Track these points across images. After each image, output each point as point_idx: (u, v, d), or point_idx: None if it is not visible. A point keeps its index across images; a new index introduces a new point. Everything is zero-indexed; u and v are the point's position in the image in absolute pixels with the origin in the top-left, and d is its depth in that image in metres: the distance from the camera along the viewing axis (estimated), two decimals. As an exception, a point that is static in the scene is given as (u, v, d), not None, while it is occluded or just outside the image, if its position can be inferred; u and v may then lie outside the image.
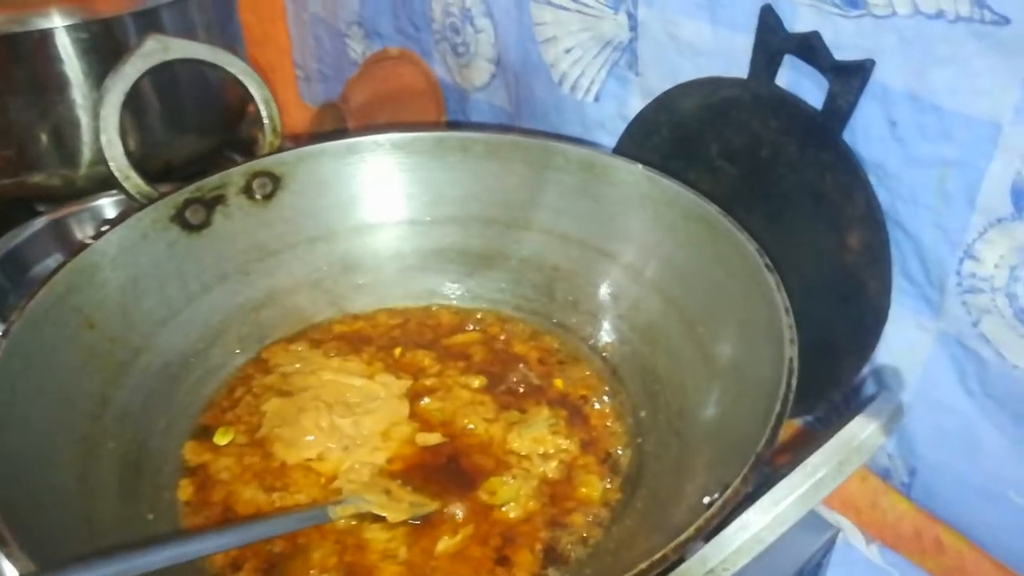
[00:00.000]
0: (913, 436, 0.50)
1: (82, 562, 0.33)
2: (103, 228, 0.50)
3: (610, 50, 0.60)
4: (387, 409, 0.52)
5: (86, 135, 0.71)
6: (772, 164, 0.51)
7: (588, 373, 0.55)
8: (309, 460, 0.49)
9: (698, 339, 0.49)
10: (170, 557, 0.38)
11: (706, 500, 0.34)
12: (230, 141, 0.85)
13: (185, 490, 0.48)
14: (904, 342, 0.49)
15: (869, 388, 0.53)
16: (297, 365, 0.55)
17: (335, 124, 0.83)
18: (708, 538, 0.31)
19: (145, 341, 0.51)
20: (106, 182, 0.69)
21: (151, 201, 0.53)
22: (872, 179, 0.46)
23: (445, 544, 0.44)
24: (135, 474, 0.46)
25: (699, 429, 0.46)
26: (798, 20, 0.47)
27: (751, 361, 0.43)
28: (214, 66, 0.56)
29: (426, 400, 0.53)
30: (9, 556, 0.32)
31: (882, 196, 0.46)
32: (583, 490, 0.47)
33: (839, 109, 0.46)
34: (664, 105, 0.57)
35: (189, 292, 0.54)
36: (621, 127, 0.61)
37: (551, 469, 0.48)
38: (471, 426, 0.51)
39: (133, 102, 0.54)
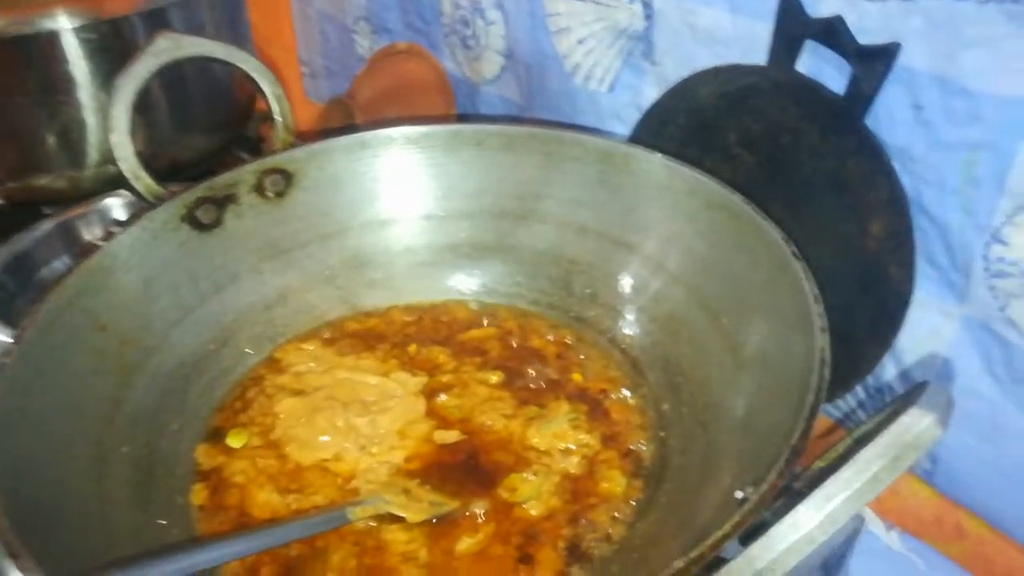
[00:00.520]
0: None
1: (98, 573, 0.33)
2: (113, 229, 0.49)
3: (625, 39, 0.60)
4: (403, 407, 0.51)
5: (93, 136, 0.70)
6: (792, 151, 0.50)
7: (608, 366, 0.54)
8: (325, 461, 0.48)
9: (723, 330, 0.48)
10: (186, 567, 0.38)
11: (739, 495, 0.33)
12: (237, 139, 0.84)
13: (199, 494, 0.47)
14: (927, 328, 0.48)
15: (888, 377, 0.52)
16: (311, 364, 0.54)
17: (342, 120, 0.82)
18: (746, 536, 0.30)
19: (157, 342, 0.50)
20: (113, 182, 0.69)
21: (161, 201, 0.52)
22: (896, 164, 0.46)
23: (466, 544, 0.43)
24: (148, 478, 0.45)
25: (726, 422, 0.45)
26: (820, 4, 0.47)
27: (780, 352, 0.43)
28: (226, 63, 0.55)
29: (443, 397, 0.52)
30: (23, 570, 0.31)
31: (906, 181, 0.46)
32: (605, 485, 0.46)
33: (862, 94, 0.45)
34: (681, 94, 0.57)
35: (201, 292, 0.54)
36: (636, 117, 0.61)
37: (572, 464, 0.48)
38: (489, 422, 0.50)
39: (141, 101, 0.53)
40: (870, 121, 0.46)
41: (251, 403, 0.52)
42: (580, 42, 0.63)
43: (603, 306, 0.57)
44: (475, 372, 0.54)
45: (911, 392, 0.35)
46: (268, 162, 0.56)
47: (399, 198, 0.60)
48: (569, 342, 0.56)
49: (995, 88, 0.41)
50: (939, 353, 0.48)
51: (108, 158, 0.68)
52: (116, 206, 0.68)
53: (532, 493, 0.46)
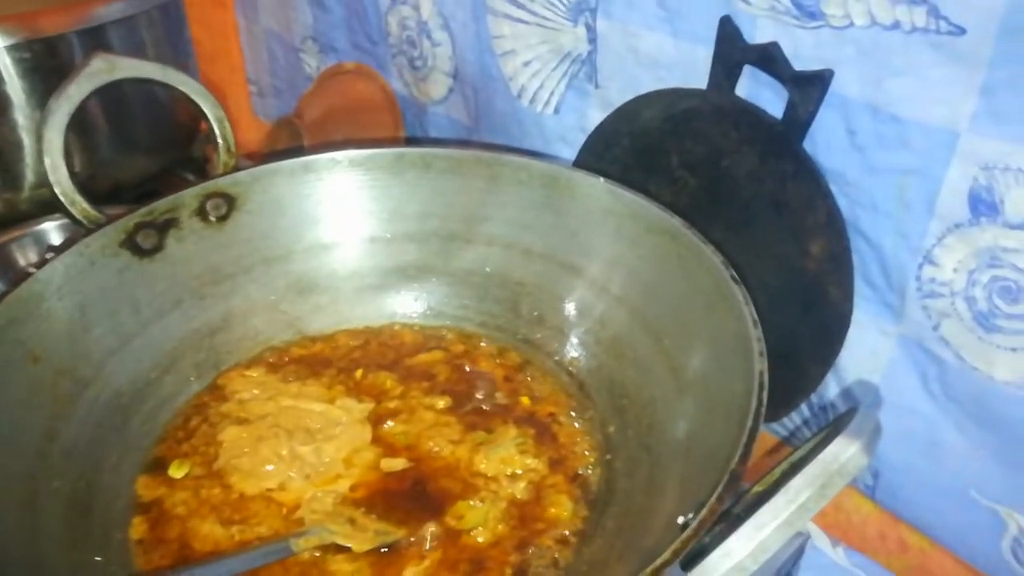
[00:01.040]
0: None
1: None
2: (47, 256, 0.48)
3: (569, 62, 0.60)
4: (349, 434, 0.50)
5: (29, 157, 0.68)
6: (733, 174, 0.51)
7: (556, 389, 0.55)
8: (270, 490, 0.47)
9: (665, 352, 0.49)
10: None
11: (680, 520, 0.33)
12: (182, 160, 0.83)
13: (138, 528, 0.45)
14: (867, 347, 0.49)
15: (832, 394, 0.53)
16: (255, 391, 0.54)
17: (290, 140, 0.81)
18: (687, 561, 0.30)
19: (94, 372, 0.49)
20: (50, 206, 0.67)
21: (99, 226, 0.51)
22: (833, 187, 0.47)
23: (412, 572, 0.43)
24: (84, 514, 0.44)
25: (669, 444, 0.45)
26: (757, 31, 0.48)
27: (720, 374, 0.43)
28: (165, 85, 0.54)
29: (389, 423, 0.52)
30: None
31: (843, 204, 0.47)
32: (553, 510, 0.46)
33: (799, 119, 0.46)
34: (624, 117, 0.57)
35: (141, 319, 0.52)
36: (581, 139, 0.61)
37: (519, 490, 0.48)
38: (436, 449, 0.50)
39: (80, 121, 0.52)
40: (807, 145, 0.47)
41: (194, 432, 0.51)
42: (526, 64, 0.63)
43: (550, 328, 0.57)
44: (422, 397, 0.54)
45: (842, 417, 0.36)
46: (210, 186, 0.55)
47: (344, 221, 0.59)
48: (517, 365, 0.57)
49: (921, 115, 0.42)
50: (878, 372, 0.49)
51: (45, 180, 0.66)
52: (52, 230, 0.66)
53: (479, 520, 0.45)
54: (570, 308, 0.56)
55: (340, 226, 0.59)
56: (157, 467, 0.49)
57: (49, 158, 0.49)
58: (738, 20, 0.48)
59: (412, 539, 0.45)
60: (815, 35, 0.45)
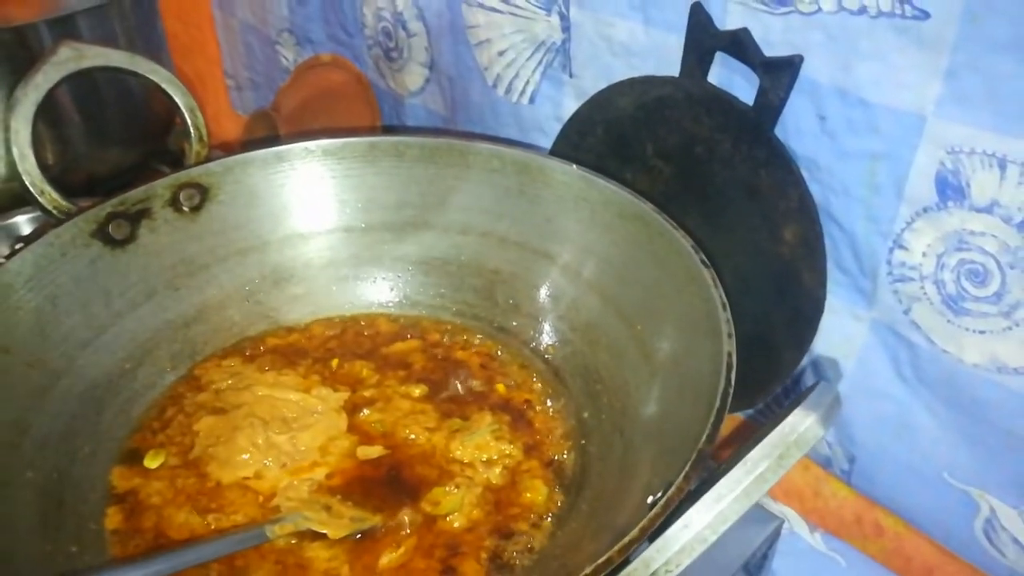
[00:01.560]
0: (851, 424, 0.51)
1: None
2: (17, 247, 0.47)
3: (543, 52, 0.60)
4: (325, 423, 0.50)
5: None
6: (707, 161, 0.51)
7: (531, 376, 0.55)
8: (245, 479, 0.47)
9: (637, 337, 0.49)
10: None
11: (650, 500, 0.34)
12: (157, 152, 0.82)
13: (113, 518, 0.45)
14: (840, 332, 0.50)
15: (809, 380, 0.53)
16: (230, 381, 0.53)
17: (267, 132, 0.81)
18: (653, 538, 0.31)
19: (67, 363, 0.49)
20: (20, 198, 0.67)
21: (70, 217, 0.50)
22: (805, 173, 0.47)
23: (388, 558, 0.43)
24: (57, 505, 0.44)
25: (641, 427, 0.45)
26: (728, 17, 0.48)
27: (690, 357, 0.44)
28: (135, 74, 0.54)
29: (365, 412, 0.52)
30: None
31: (815, 190, 0.47)
32: (528, 495, 0.47)
33: (770, 105, 0.46)
34: (598, 105, 0.57)
35: (114, 310, 0.52)
36: (557, 128, 0.61)
37: (495, 476, 0.48)
38: (412, 436, 0.50)
39: (51, 113, 0.52)
40: (779, 131, 0.47)
41: (170, 422, 0.51)
42: (500, 54, 0.63)
43: (525, 316, 0.57)
44: (398, 386, 0.54)
45: (804, 393, 0.36)
46: (183, 176, 0.55)
47: (319, 211, 0.59)
48: (493, 353, 0.57)
49: (888, 100, 0.42)
50: (852, 357, 0.50)
51: (15, 173, 0.66)
52: (24, 223, 0.65)
53: (455, 506, 0.46)
54: (544, 295, 0.57)
55: (314, 216, 0.59)
56: (132, 458, 0.49)
57: (17, 148, 0.49)
58: (709, 7, 0.48)
59: (388, 525, 0.45)
60: (784, 21, 0.45)
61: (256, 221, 0.58)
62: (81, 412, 0.49)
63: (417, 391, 0.53)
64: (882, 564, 0.54)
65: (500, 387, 0.54)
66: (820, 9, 0.43)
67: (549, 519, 0.45)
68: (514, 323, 0.57)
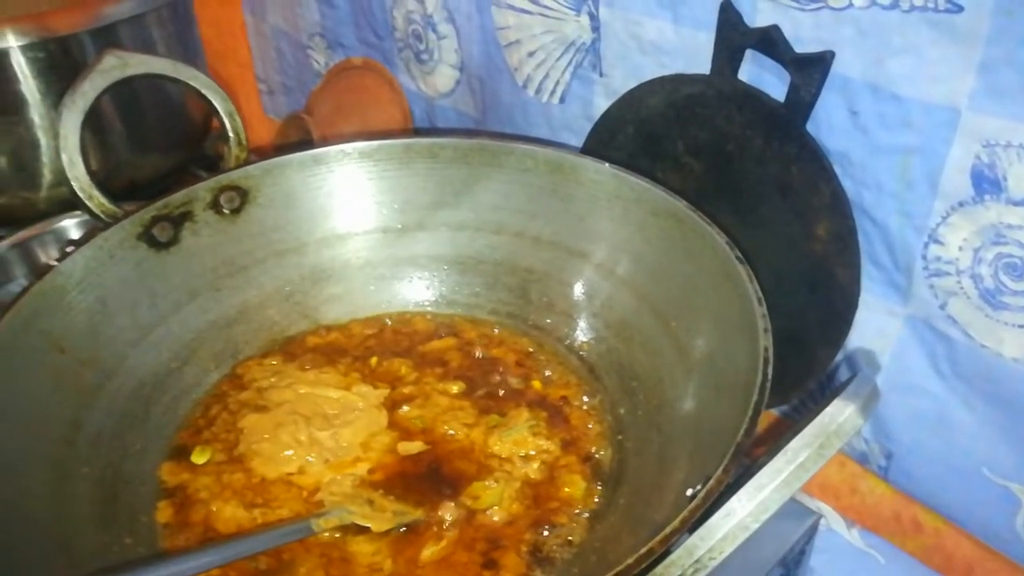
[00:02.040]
0: (888, 420, 0.51)
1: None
2: (68, 249, 0.49)
3: (573, 52, 0.61)
4: (366, 419, 0.51)
5: (46, 156, 0.70)
6: (738, 158, 0.51)
7: (566, 373, 0.55)
8: (289, 474, 0.48)
9: (672, 333, 0.50)
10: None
11: (689, 492, 0.34)
12: (195, 157, 0.84)
13: (164, 512, 0.47)
14: (875, 328, 0.50)
15: (843, 376, 0.53)
16: (272, 379, 0.55)
17: (300, 136, 0.83)
18: (693, 529, 0.31)
19: (117, 362, 0.50)
20: (67, 203, 0.68)
21: (116, 220, 0.52)
22: (837, 169, 0.47)
23: (431, 551, 0.44)
24: (111, 498, 0.45)
25: (678, 423, 0.46)
26: (758, 15, 0.48)
27: (726, 353, 0.44)
28: (176, 81, 0.55)
29: (405, 408, 0.53)
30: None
31: (847, 185, 0.47)
32: (566, 490, 0.47)
33: (802, 101, 0.47)
34: (629, 104, 0.58)
35: (160, 311, 0.54)
36: (587, 128, 0.61)
37: (533, 470, 0.48)
38: (451, 432, 0.51)
39: (94, 121, 0.53)
40: (811, 127, 0.47)
41: (214, 420, 0.53)
42: (530, 55, 0.64)
43: (560, 314, 0.58)
44: (436, 383, 0.55)
45: (842, 385, 0.37)
46: (223, 179, 0.56)
47: (355, 212, 0.60)
48: (528, 350, 0.57)
49: (921, 94, 0.42)
50: (887, 352, 0.50)
51: (62, 178, 0.67)
52: (72, 227, 0.67)
53: (494, 500, 0.46)
54: (578, 293, 0.57)
55: (351, 217, 0.60)
56: (180, 454, 0.50)
57: (66, 154, 0.50)
58: (739, 4, 0.48)
59: (429, 519, 0.46)
60: (815, 17, 0.45)
61: (294, 222, 0.59)
62: (131, 410, 0.50)
63: (455, 388, 0.54)
64: (921, 561, 0.54)
65: (536, 384, 0.55)
66: (851, 4, 0.43)
67: (587, 513, 0.46)
68: (548, 321, 0.58)
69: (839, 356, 0.52)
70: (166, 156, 0.79)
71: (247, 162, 0.58)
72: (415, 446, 0.50)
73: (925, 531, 0.53)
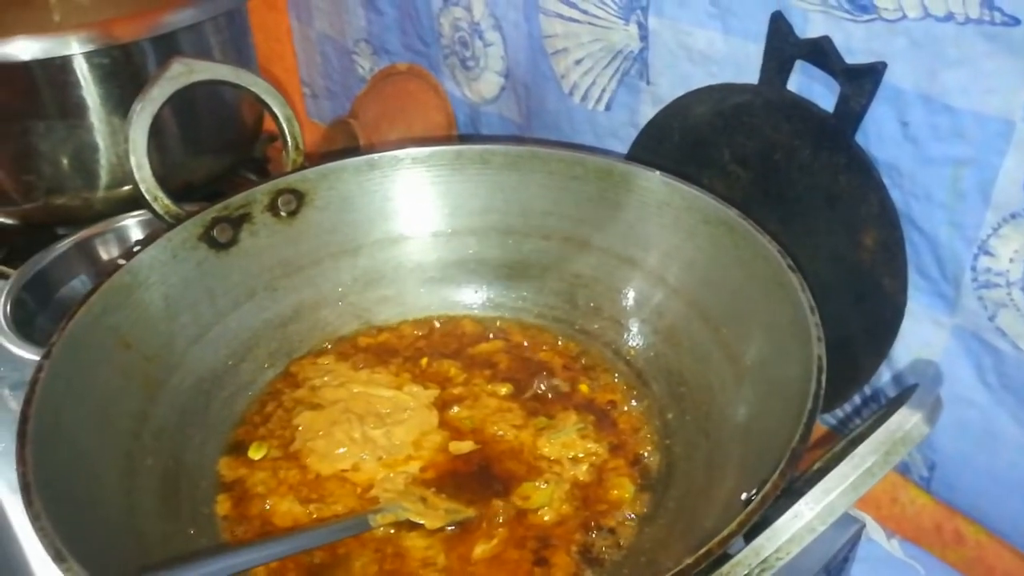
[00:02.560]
0: (932, 430, 0.51)
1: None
2: (135, 248, 0.51)
3: (621, 60, 0.62)
4: (417, 419, 0.53)
5: (104, 158, 0.72)
6: (785, 167, 0.52)
7: (613, 377, 0.56)
8: (344, 471, 0.50)
9: (723, 341, 0.50)
10: (215, 571, 0.39)
11: (744, 496, 0.35)
12: (245, 160, 0.86)
13: (223, 505, 0.48)
14: (921, 338, 0.50)
15: (884, 384, 0.53)
16: (326, 378, 0.56)
17: (346, 141, 0.84)
18: (750, 534, 0.32)
19: (179, 359, 0.52)
20: (124, 203, 0.71)
21: (179, 221, 0.53)
22: (885, 179, 0.47)
23: (482, 549, 0.45)
24: (174, 490, 0.47)
25: (728, 429, 0.46)
26: (809, 25, 0.48)
27: (778, 360, 0.44)
28: (237, 86, 0.57)
29: (455, 409, 0.54)
30: (68, 572, 0.33)
31: (895, 195, 0.47)
32: (615, 492, 0.48)
33: (851, 112, 0.47)
34: (676, 112, 0.58)
35: (218, 309, 0.55)
36: (632, 135, 0.62)
37: (582, 472, 0.49)
38: (500, 433, 0.52)
39: (154, 125, 0.55)
40: (860, 137, 0.48)
41: (270, 416, 0.54)
42: (577, 63, 0.64)
43: (607, 319, 0.58)
44: (485, 384, 0.56)
45: (902, 394, 0.37)
46: (280, 182, 0.58)
47: (408, 216, 0.61)
48: (575, 354, 0.58)
49: (976, 105, 0.42)
50: (933, 362, 0.50)
51: (120, 179, 0.70)
52: (132, 226, 0.69)
53: (544, 500, 0.47)
54: (627, 299, 0.58)
55: (404, 221, 0.62)
56: (237, 449, 0.52)
57: (134, 157, 0.52)
58: (789, 15, 0.49)
59: (481, 517, 0.47)
60: (867, 28, 0.45)
61: (349, 225, 0.60)
62: (191, 405, 0.52)
63: (503, 390, 0.55)
64: (962, 573, 0.54)
65: (583, 387, 0.55)
66: (905, 16, 0.43)
67: (636, 516, 0.47)
68: (596, 326, 0.59)
69: (885, 370, 0.52)
70: (219, 158, 0.81)
71: (303, 166, 0.59)
72: (466, 445, 0.51)
73: (967, 543, 0.53)
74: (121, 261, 0.49)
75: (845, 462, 0.31)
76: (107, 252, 0.69)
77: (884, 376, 0.53)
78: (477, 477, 0.49)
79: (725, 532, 0.32)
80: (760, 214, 0.52)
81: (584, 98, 0.66)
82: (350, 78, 0.96)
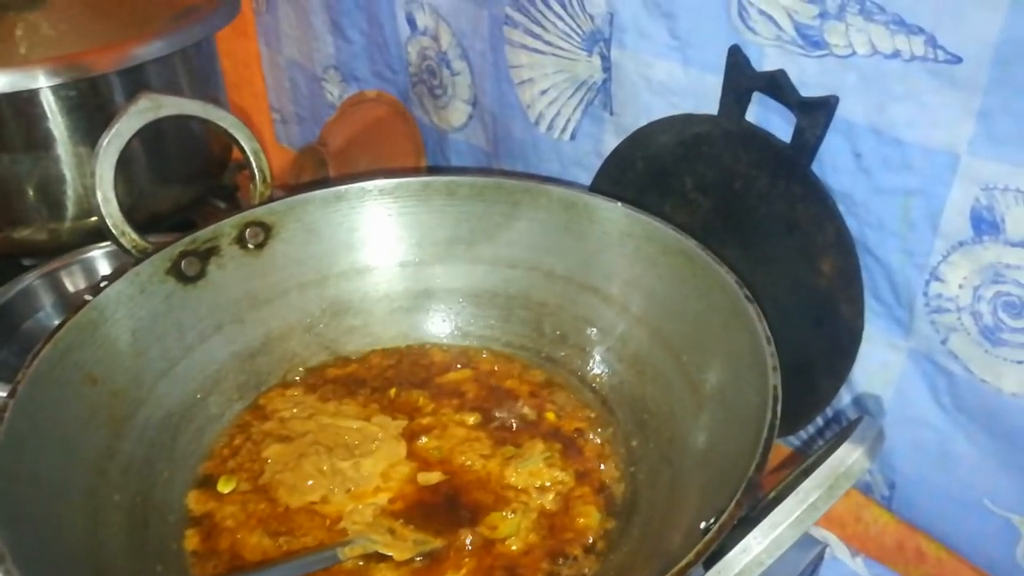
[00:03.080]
0: (891, 451, 0.52)
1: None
2: (101, 283, 0.50)
3: (585, 90, 0.62)
4: (385, 450, 0.53)
5: (71, 189, 0.71)
6: (744, 196, 0.53)
7: (579, 405, 0.57)
8: (313, 503, 0.50)
9: (684, 369, 0.51)
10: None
11: (703, 525, 0.36)
12: (214, 188, 0.86)
13: (191, 540, 0.48)
14: (878, 361, 0.51)
15: (845, 406, 0.55)
16: (294, 410, 0.56)
17: (315, 167, 0.84)
18: (709, 562, 0.33)
19: (146, 393, 0.52)
20: (91, 234, 0.70)
21: (146, 255, 0.53)
22: (841, 208, 0.48)
23: (450, 579, 0.45)
24: (142, 526, 0.47)
25: (690, 456, 0.47)
26: (765, 59, 0.49)
27: (736, 389, 0.45)
28: (205, 121, 0.57)
29: (423, 439, 0.54)
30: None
31: (851, 223, 0.48)
32: (581, 520, 0.49)
33: (807, 143, 0.48)
34: (638, 142, 0.59)
35: (186, 343, 0.55)
36: (597, 164, 0.63)
37: (548, 501, 0.50)
38: (468, 463, 0.52)
39: (121, 155, 0.55)
40: (816, 168, 0.49)
41: (239, 449, 0.54)
42: (543, 93, 0.65)
43: (573, 347, 0.59)
44: (453, 414, 0.56)
45: (848, 427, 0.38)
46: (248, 215, 0.58)
47: (375, 247, 0.62)
48: (541, 382, 0.59)
49: (922, 139, 0.44)
50: (890, 386, 0.51)
51: (87, 210, 0.70)
52: (99, 257, 0.69)
53: (512, 530, 0.48)
54: (592, 327, 0.59)
55: (371, 252, 0.62)
56: (206, 483, 0.52)
57: (101, 192, 0.52)
58: (746, 49, 0.50)
59: (449, 548, 0.47)
60: (820, 63, 0.47)
61: (316, 257, 0.60)
62: (159, 439, 0.51)
63: (471, 419, 0.55)
64: (924, 590, 0.55)
65: (550, 415, 0.56)
66: (855, 52, 0.45)
67: (602, 544, 0.47)
68: (562, 354, 0.60)
69: (845, 392, 0.53)
70: (186, 188, 0.81)
71: (271, 198, 0.60)
72: (434, 476, 0.51)
73: (928, 560, 0.54)
74: (88, 296, 0.49)
75: (791, 497, 0.32)
76: (73, 284, 0.69)
77: (844, 399, 0.54)
78: (445, 507, 0.49)
79: (683, 562, 0.32)
80: (721, 241, 0.53)
81: (550, 128, 0.67)
82: (319, 104, 0.96)
